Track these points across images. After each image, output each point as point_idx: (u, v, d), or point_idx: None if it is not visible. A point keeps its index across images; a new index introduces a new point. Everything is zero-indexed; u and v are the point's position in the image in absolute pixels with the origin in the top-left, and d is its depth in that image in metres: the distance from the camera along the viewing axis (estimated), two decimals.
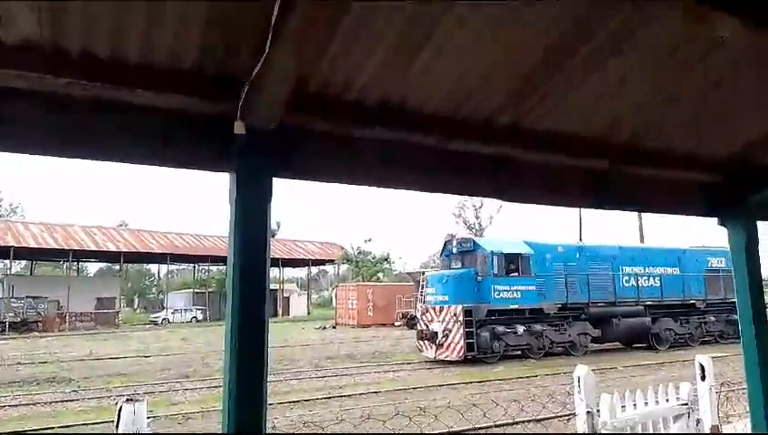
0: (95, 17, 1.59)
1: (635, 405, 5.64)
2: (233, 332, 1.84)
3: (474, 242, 20.44)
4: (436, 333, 18.86)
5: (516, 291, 19.28)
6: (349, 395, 13.21)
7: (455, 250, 20.78)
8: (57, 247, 39.91)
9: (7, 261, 42.64)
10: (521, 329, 18.97)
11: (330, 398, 12.92)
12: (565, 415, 9.33)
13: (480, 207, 53.37)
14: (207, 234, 50.55)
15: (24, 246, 38.38)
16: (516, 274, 19.45)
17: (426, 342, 19.44)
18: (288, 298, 54.87)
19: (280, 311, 50.02)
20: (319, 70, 1.89)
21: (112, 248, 42.16)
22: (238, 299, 1.86)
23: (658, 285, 22.25)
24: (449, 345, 18.45)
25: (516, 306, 19.17)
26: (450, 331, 18.43)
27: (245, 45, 1.73)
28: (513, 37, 1.96)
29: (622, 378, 14.75)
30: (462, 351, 18.00)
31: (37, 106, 1.75)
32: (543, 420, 9.43)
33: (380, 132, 2.14)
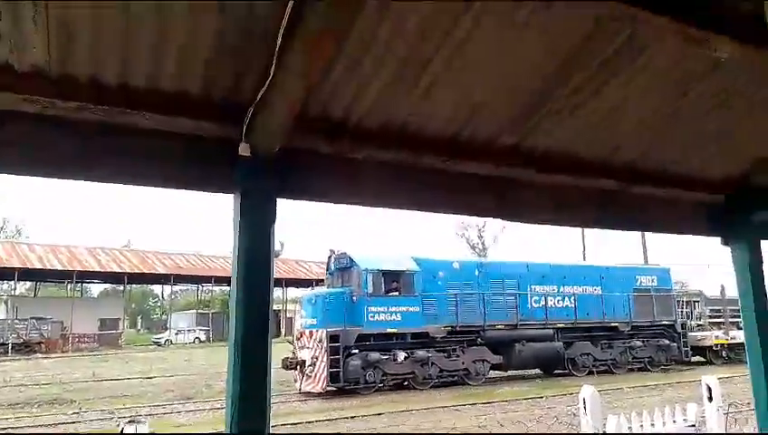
0: (103, 45, 1.63)
1: (641, 426, 5.58)
2: (236, 349, 1.85)
3: (350, 258, 17.83)
4: (304, 361, 16.49)
5: (395, 313, 16.84)
6: None
7: (332, 267, 18.54)
8: (61, 268, 39.92)
9: (12, 282, 42.64)
10: (401, 356, 16.53)
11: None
12: None
13: (483, 228, 53.39)
14: (211, 254, 50.59)
15: (28, 267, 38.41)
16: (397, 293, 17.12)
17: (296, 371, 16.84)
18: (291, 318, 54.61)
19: (283, 330, 49.77)
20: (322, 94, 1.93)
21: (116, 269, 42.15)
22: (242, 317, 1.88)
23: (573, 305, 19.81)
24: (316, 375, 16.01)
25: (395, 330, 16.78)
26: (317, 358, 16.03)
27: (250, 71, 1.76)
28: (513, 61, 1.99)
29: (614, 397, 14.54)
30: (325, 382, 15.64)
31: (46, 130, 1.78)
32: None
33: (382, 154, 2.17)
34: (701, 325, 25.54)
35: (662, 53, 2.07)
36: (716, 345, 22.72)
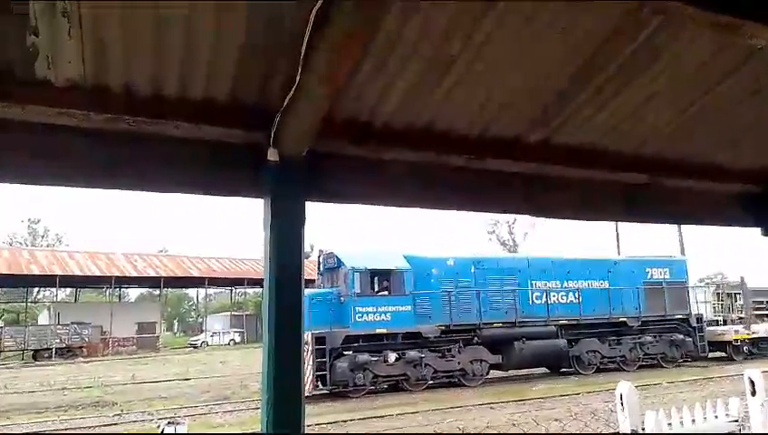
0: (134, 57, 1.68)
1: (682, 422, 5.46)
2: (270, 351, 1.89)
3: (337, 258, 17.24)
4: None
5: (385, 312, 16.26)
6: None
7: (322, 268, 18.08)
8: (100, 274, 41.05)
9: (54, 289, 44.00)
10: (392, 357, 16.06)
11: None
12: None
13: (513, 224, 52.84)
14: (244, 257, 51.27)
15: (69, 274, 39.58)
16: (386, 293, 16.62)
17: None
18: None
19: None
20: (348, 97, 1.95)
21: (152, 274, 43.09)
22: (275, 320, 1.91)
23: (578, 301, 18.89)
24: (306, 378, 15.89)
25: (384, 330, 16.20)
26: (304, 361, 15.76)
27: (277, 77, 1.79)
28: (540, 57, 1.97)
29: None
30: (311, 385, 15.08)
31: (81, 141, 1.84)
32: None
33: (409, 154, 2.18)
34: (743, 318, 24.57)
35: (693, 43, 2.02)
36: (737, 340, 21.30)
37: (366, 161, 2.15)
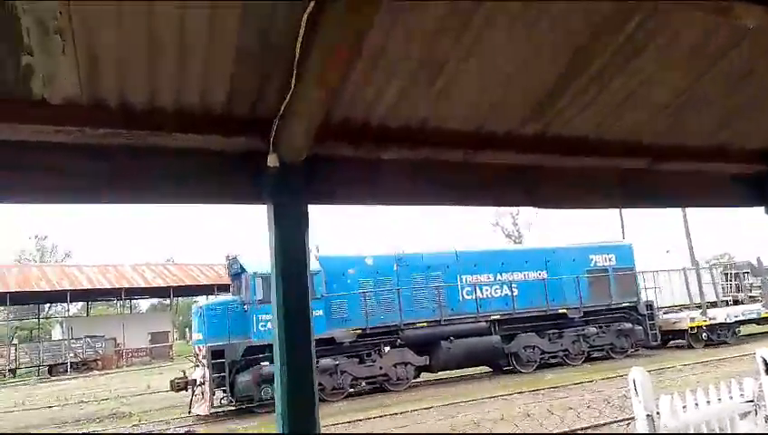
0: (129, 72, 1.70)
1: (696, 404, 5.45)
2: (281, 354, 1.91)
3: (240, 264, 16.17)
4: (195, 380, 15.12)
5: None
6: None
7: (230, 274, 17.14)
8: (110, 287, 41.29)
9: (65, 304, 44.31)
10: None
11: None
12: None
13: (517, 215, 52.72)
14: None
15: (79, 288, 39.83)
16: None
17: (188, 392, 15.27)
18: None
19: None
20: (343, 99, 1.96)
21: (161, 284, 43.29)
22: (284, 322, 1.93)
23: (512, 294, 17.89)
24: (204, 395, 14.62)
25: None
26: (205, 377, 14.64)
27: (272, 83, 1.81)
28: (531, 49, 1.98)
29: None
30: (209, 402, 14.31)
31: (77, 157, 1.86)
32: None
33: (406, 153, 2.19)
34: (754, 298, 24.35)
35: (685, 27, 2.02)
36: (692, 328, 20.01)
37: (364, 162, 2.17)
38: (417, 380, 17.58)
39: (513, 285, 18.03)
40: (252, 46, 1.71)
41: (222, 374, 14.48)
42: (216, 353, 14.60)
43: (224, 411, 15.33)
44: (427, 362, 16.84)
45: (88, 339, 39.57)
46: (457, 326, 16.98)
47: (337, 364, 15.44)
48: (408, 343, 16.58)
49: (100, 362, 38.70)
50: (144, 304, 60.49)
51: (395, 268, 17.03)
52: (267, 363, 14.80)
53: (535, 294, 18.19)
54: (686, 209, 32.81)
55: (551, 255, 19.08)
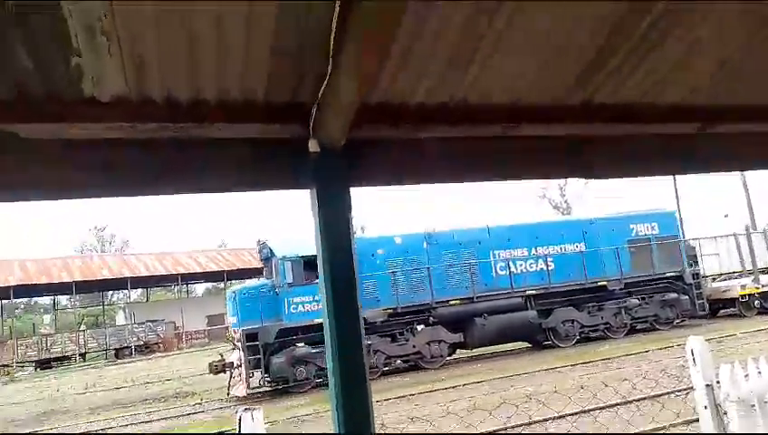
0: (172, 68, 1.75)
1: (759, 372, 5.28)
2: (331, 338, 1.95)
3: (269, 248, 16.49)
4: (232, 363, 15.66)
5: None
6: None
7: (261, 259, 17.49)
8: (167, 273, 42.99)
9: (126, 291, 46.43)
10: None
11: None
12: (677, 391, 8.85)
13: (565, 186, 51.54)
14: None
15: (138, 275, 41.63)
16: None
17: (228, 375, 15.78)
18: None
19: None
20: (380, 82, 1.96)
21: (215, 268, 44.70)
22: (332, 306, 1.97)
23: (547, 268, 17.59)
24: (241, 377, 15.12)
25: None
26: (241, 360, 15.15)
27: (310, 70, 1.83)
28: (573, 17, 1.92)
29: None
30: (247, 384, 14.79)
31: (131, 152, 1.93)
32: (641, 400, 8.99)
33: (446, 131, 2.18)
34: None
35: None
36: (743, 296, 19.39)
37: (403, 143, 2.17)
38: (455, 356, 17.70)
39: (548, 259, 17.76)
40: (290, 35, 1.73)
41: (257, 356, 15.01)
42: (251, 336, 15.06)
43: (260, 393, 15.73)
44: (462, 340, 16.88)
45: (149, 323, 41.41)
46: (491, 302, 16.91)
47: (370, 344, 15.45)
48: (442, 321, 16.63)
49: (161, 345, 40.46)
50: (200, 288, 62.59)
51: (424, 246, 17.02)
52: (301, 345, 15.39)
53: (572, 267, 17.80)
54: (745, 172, 31.31)
55: (588, 226, 18.59)
